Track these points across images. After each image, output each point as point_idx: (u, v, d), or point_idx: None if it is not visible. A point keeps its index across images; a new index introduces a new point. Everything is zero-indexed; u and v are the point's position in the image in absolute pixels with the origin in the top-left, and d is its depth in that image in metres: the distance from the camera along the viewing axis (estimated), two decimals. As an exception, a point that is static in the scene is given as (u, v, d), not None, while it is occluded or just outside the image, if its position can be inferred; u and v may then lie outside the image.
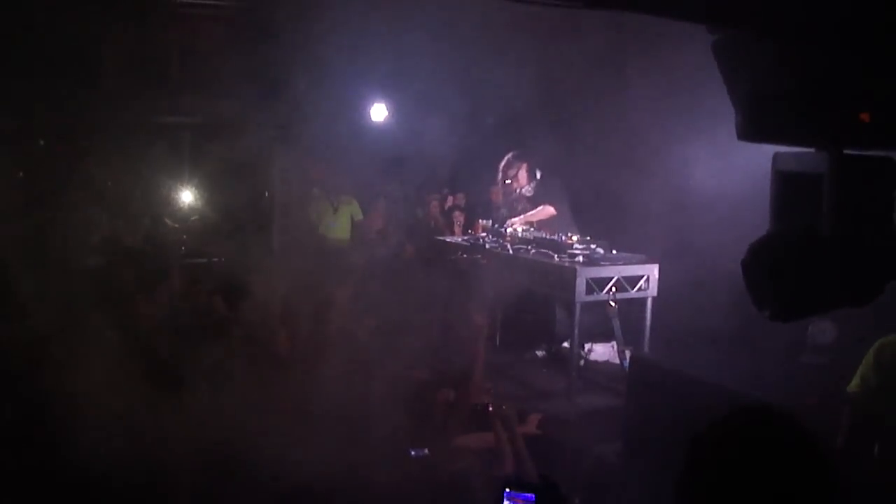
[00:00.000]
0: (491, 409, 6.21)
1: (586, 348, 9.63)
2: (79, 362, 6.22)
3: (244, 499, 4.89)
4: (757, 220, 2.60)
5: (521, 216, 9.84)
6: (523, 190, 9.84)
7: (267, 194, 13.23)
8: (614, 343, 9.19)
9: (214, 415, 5.60)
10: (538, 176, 9.77)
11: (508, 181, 9.87)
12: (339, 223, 12.84)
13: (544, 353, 9.93)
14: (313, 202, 12.92)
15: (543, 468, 6.02)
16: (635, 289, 8.57)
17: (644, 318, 8.61)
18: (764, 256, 2.33)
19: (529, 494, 3.17)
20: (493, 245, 9.75)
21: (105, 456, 5.15)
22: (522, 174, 9.74)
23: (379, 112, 13.48)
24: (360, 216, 13.11)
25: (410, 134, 13.13)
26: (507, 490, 3.19)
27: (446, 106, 12.45)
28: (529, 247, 9.28)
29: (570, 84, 10.48)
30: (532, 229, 9.74)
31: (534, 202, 9.84)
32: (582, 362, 9.47)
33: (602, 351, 9.64)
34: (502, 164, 9.86)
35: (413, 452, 5.45)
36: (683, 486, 2.08)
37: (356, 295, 9.29)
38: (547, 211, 9.69)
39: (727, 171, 7.22)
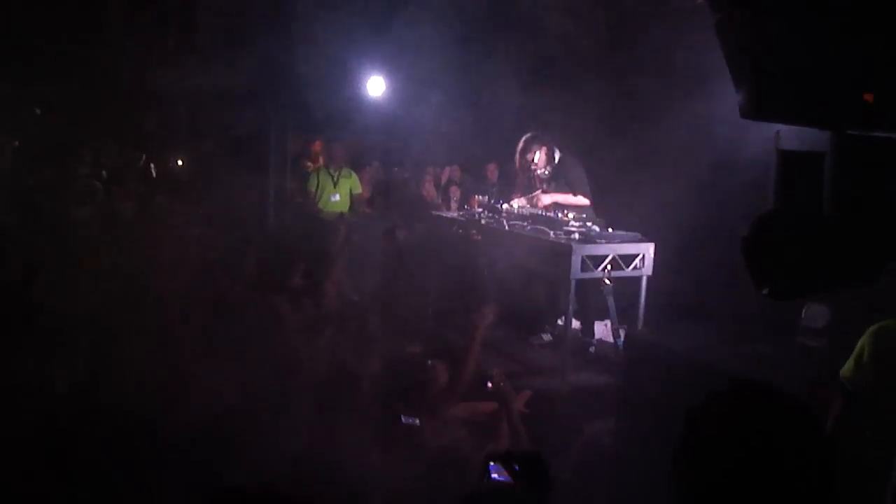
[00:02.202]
0: (490, 385, 6.22)
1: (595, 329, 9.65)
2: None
3: (231, 461, 4.90)
4: (757, 199, 2.60)
5: (552, 196, 9.68)
6: (539, 172, 9.69)
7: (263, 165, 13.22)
8: (608, 321, 9.20)
9: (211, 378, 5.63)
10: (557, 158, 9.63)
11: (527, 163, 9.67)
12: (340, 196, 12.84)
13: (550, 336, 9.90)
14: (312, 175, 12.92)
15: (536, 445, 6.05)
16: (630, 267, 8.57)
17: (639, 296, 8.61)
18: (765, 234, 2.32)
19: (514, 466, 3.16)
20: (489, 220, 9.71)
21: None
22: (542, 157, 9.56)
23: (376, 85, 13.44)
24: (358, 189, 13.12)
25: (407, 108, 13.11)
26: (492, 463, 3.18)
27: (444, 81, 12.43)
28: (525, 223, 9.24)
29: (568, 59, 10.46)
30: (528, 206, 9.69)
31: (551, 184, 9.72)
32: (592, 349, 9.48)
33: (597, 329, 9.65)
34: (519, 145, 9.66)
35: (403, 419, 5.46)
36: (680, 460, 2.08)
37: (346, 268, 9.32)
38: (579, 202, 9.54)
39: (726, 149, 7.23)
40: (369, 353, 6.70)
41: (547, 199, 9.56)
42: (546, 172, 9.61)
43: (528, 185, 9.89)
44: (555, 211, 9.18)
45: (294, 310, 7.60)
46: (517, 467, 3.12)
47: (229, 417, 5.18)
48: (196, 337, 6.43)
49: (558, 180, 9.61)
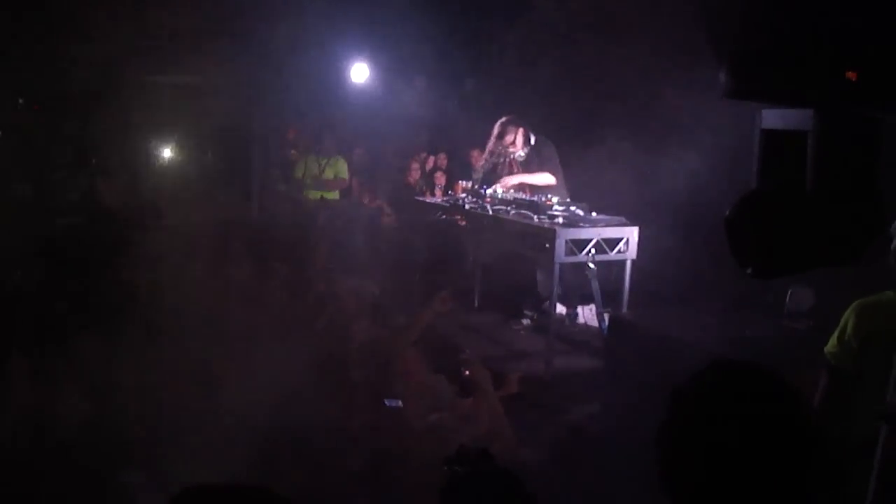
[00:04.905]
0: (468, 372, 6.23)
1: (577, 311, 9.67)
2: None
3: (217, 441, 4.94)
4: (739, 180, 2.60)
5: (518, 176, 9.72)
6: (515, 154, 9.71)
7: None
8: (593, 305, 9.22)
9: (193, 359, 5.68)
10: (532, 141, 9.65)
11: (502, 145, 9.68)
12: (325, 182, 12.81)
13: (529, 321, 9.89)
14: (300, 162, 12.89)
15: (520, 430, 6.06)
16: (615, 251, 8.57)
17: (623, 280, 8.62)
18: (748, 214, 2.32)
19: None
20: (473, 206, 9.70)
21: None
22: (519, 139, 9.57)
23: (360, 72, 13.40)
24: (343, 177, 13.06)
25: (391, 95, 13.09)
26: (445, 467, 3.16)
27: (427, 68, 12.42)
28: (509, 208, 9.24)
29: (551, 43, 10.44)
30: (513, 191, 9.70)
31: (526, 167, 9.74)
32: (577, 319, 9.54)
33: (581, 313, 9.66)
34: (496, 127, 9.68)
35: (387, 402, 5.49)
36: (664, 440, 2.08)
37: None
38: (546, 178, 9.54)
39: (709, 129, 7.23)
40: (352, 338, 6.72)
41: (514, 180, 9.61)
42: (522, 155, 9.63)
43: (500, 168, 9.90)
44: (538, 195, 9.19)
45: (279, 296, 7.61)
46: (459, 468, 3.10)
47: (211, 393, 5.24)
48: (189, 326, 6.43)
49: (533, 162, 9.62)
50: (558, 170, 9.60)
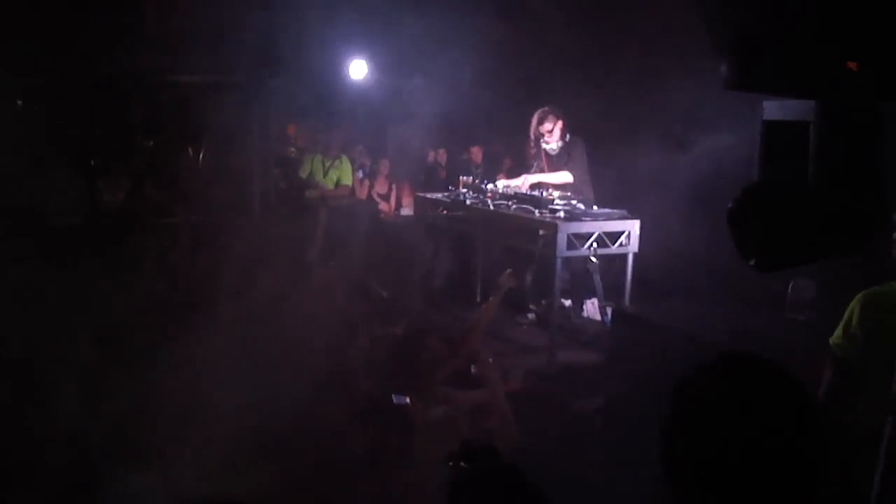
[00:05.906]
0: (474, 369, 6.23)
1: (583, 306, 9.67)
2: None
3: (217, 439, 4.95)
4: (742, 171, 2.59)
5: (537, 176, 9.68)
6: (549, 146, 9.64)
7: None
8: (595, 299, 9.21)
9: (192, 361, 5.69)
10: (567, 137, 9.57)
11: (540, 134, 9.61)
12: (328, 186, 12.76)
13: (533, 315, 9.88)
14: (306, 161, 12.86)
15: (524, 424, 6.07)
16: (616, 244, 8.57)
17: (625, 273, 8.62)
18: (750, 205, 2.31)
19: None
20: (474, 201, 9.70)
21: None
22: (556, 131, 9.51)
23: (358, 69, 13.36)
24: (347, 181, 12.96)
25: (391, 91, 13.06)
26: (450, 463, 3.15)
27: (427, 64, 12.40)
28: (510, 202, 9.24)
29: (548, 39, 10.43)
30: (512, 187, 9.68)
31: (555, 163, 9.68)
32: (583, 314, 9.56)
33: (585, 307, 9.66)
34: (535, 116, 9.63)
35: (394, 398, 5.49)
36: (668, 433, 2.07)
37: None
38: (563, 177, 9.50)
39: (712, 123, 7.22)
40: (356, 336, 6.72)
41: (532, 179, 9.57)
42: (555, 148, 9.54)
43: (537, 158, 9.85)
44: (539, 190, 9.18)
45: (283, 295, 7.62)
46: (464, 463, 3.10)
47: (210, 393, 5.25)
48: (191, 326, 6.44)
49: (563, 159, 9.55)
50: (585, 171, 9.54)
